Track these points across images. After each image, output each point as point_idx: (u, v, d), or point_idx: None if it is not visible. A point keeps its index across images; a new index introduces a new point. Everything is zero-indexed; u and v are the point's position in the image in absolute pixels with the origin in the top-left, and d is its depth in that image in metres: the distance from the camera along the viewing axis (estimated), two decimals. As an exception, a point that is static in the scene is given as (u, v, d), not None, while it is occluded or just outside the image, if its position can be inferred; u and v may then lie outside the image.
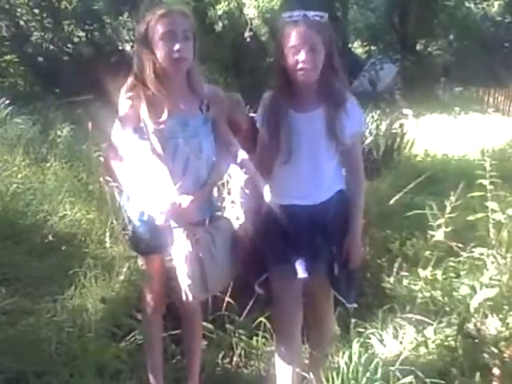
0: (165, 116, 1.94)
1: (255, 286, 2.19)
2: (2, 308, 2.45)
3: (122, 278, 2.85)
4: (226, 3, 12.04)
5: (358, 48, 24.23)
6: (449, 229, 3.33)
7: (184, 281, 1.98)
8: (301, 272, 2.03)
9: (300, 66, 1.93)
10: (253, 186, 2.25)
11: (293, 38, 1.93)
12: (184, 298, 2.04)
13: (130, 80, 2.00)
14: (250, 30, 11.62)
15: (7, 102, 6.58)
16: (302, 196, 2.05)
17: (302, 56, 1.92)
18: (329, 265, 2.08)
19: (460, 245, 3.36)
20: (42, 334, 2.32)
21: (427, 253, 3.30)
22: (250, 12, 12.14)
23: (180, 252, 1.95)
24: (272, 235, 2.09)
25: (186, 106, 2.02)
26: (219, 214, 2.19)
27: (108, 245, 3.24)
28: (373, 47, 22.58)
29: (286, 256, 2.06)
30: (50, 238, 3.76)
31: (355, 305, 2.22)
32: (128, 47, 10.81)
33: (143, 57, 1.95)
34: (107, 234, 3.29)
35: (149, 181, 1.97)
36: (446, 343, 2.38)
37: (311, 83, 2.01)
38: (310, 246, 2.05)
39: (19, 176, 4.40)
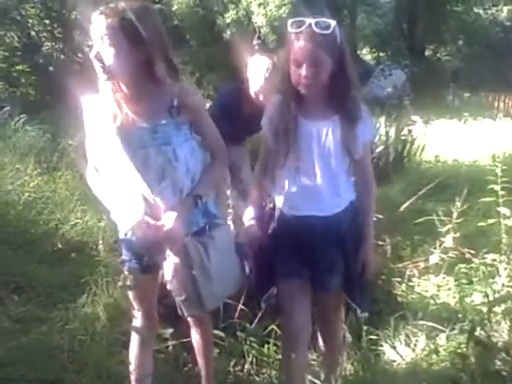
0: (131, 124, 1.79)
1: (261, 301, 2.15)
2: (15, 316, 2.47)
3: (119, 283, 2.84)
4: (235, 12, 12.11)
5: (366, 54, 24.25)
6: (457, 234, 3.33)
7: (177, 297, 1.90)
8: (319, 289, 2.02)
9: (302, 80, 1.88)
10: (253, 196, 2.20)
11: (295, 51, 1.87)
12: (180, 313, 1.97)
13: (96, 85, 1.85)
14: (259, 37, 11.67)
15: (18, 111, 6.66)
16: (318, 207, 2.00)
17: (303, 71, 1.86)
18: (344, 275, 2.04)
19: (472, 251, 3.35)
20: (55, 342, 2.34)
21: (438, 259, 3.29)
22: (259, 20, 12.21)
23: (169, 268, 1.85)
24: (283, 247, 2.03)
25: (153, 112, 1.82)
26: (218, 221, 2.01)
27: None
28: (381, 53, 22.58)
29: (298, 269, 2.01)
30: (61, 246, 3.80)
31: (367, 314, 2.20)
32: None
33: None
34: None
35: (125, 194, 1.84)
36: (459, 350, 2.36)
37: (315, 95, 1.96)
38: (325, 258, 2.00)
39: (31, 185, 4.45)
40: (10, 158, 5.01)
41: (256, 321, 2.57)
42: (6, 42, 11.01)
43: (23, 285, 3.28)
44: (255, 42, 11.68)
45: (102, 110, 1.81)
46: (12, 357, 2.14)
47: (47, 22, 11.65)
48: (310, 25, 1.84)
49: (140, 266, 1.96)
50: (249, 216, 2.14)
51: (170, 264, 1.84)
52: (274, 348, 2.55)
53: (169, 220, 1.79)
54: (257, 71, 2.87)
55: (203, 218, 1.94)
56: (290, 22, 1.89)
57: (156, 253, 1.87)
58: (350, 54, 1.98)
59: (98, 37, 1.73)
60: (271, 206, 2.20)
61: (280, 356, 2.51)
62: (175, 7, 11.24)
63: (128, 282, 2.02)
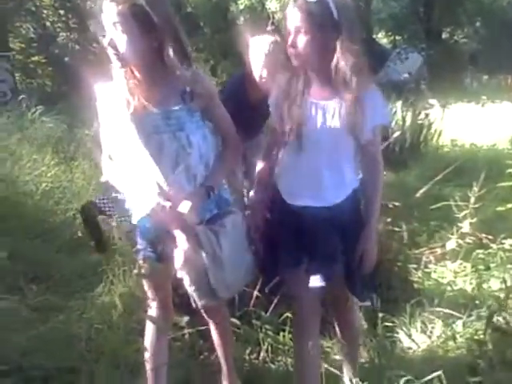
0: (144, 111, 1.79)
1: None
2: (34, 305, 2.50)
3: (135, 271, 2.86)
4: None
5: (382, 38, 23.93)
6: (474, 220, 3.28)
7: (189, 287, 1.89)
8: (317, 281, 1.92)
9: (291, 50, 1.83)
10: (258, 179, 2.14)
11: (288, 21, 1.83)
12: (193, 304, 1.96)
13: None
14: (272, 23, 11.56)
15: (35, 102, 6.71)
16: (319, 196, 1.92)
17: (293, 40, 1.81)
18: (345, 265, 1.97)
19: (489, 236, 3.31)
20: (73, 330, 2.36)
21: (455, 245, 3.26)
22: (272, 6, 12.10)
23: (180, 256, 1.83)
24: (285, 235, 1.98)
25: (166, 98, 1.82)
26: (231, 208, 1.99)
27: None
28: (397, 37, 22.28)
29: (301, 257, 1.97)
30: (79, 235, 3.83)
31: (368, 303, 2.17)
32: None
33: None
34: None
35: (141, 180, 1.83)
36: (476, 337, 2.34)
37: (306, 68, 1.89)
38: (326, 248, 1.93)
39: (48, 175, 4.49)
40: (27, 149, 5.05)
41: (271, 309, 2.57)
42: (21, 34, 11.09)
43: (41, 274, 3.32)
44: (269, 28, 11.56)
45: (116, 97, 1.81)
46: (31, 345, 2.16)
47: (62, 12, 11.68)
48: None
49: (155, 254, 1.97)
50: (252, 200, 2.11)
51: (180, 252, 1.83)
52: (290, 336, 2.55)
53: (183, 209, 1.79)
54: (258, 51, 2.76)
55: (216, 206, 1.94)
56: None
57: (169, 240, 1.86)
58: (356, 32, 1.87)
59: (111, 24, 1.73)
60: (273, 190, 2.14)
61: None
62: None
63: (143, 271, 2.02)
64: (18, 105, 6.75)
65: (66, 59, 10.85)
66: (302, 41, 1.81)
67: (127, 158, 1.85)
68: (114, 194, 3.23)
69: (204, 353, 2.56)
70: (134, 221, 1.96)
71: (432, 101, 9.35)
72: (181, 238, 1.81)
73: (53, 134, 6.05)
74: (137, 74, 1.81)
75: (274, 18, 11.95)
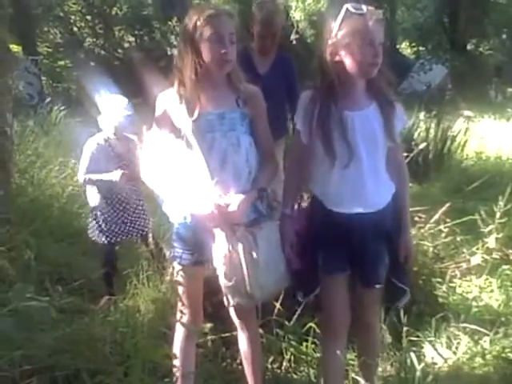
0: (202, 111, 1.93)
1: (299, 298, 2.14)
2: (59, 307, 2.53)
3: (168, 278, 2.88)
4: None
5: (406, 49, 23.79)
6: (500, 235, 3.24)
7: (224, 283, 1.93)
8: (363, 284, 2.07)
9: (374, 60, 1.86)
10: (286, 193, 2.17)
11: (365, 31, 1.85)
12: (226, 303, 2.00)
13: (171, 79, 1.99)
14: (297, 32, 11.61)
15: (60, 105, 6.82)
16: (366, 202, 1.98)
17: (376, 50, 1.85)
18: (390, 265, 2.06)
19: (516, 252, 3.26)
20: (97, 333, 2.38)
21: (481, 260, 3.22)
22: (297, 15, 12.15)
23: (219, 253, 1.91)
24: (328, 244, 2.02)
25: (223, 100, 1.98)
26: (266, 217, 2.05)
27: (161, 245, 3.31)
28: (421, 48, 22.11)
29: (340, 265, 2.03)
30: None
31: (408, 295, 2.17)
32: (176, 52, 11.00)
33: (186, 56, 1.93)
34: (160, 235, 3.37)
35: (188, 179, 1.95)
36: (504, 355, 2.30)
37: (356, 84, 1.94)
38: (372, 253, 2.01)
39: (74, 179, 4.55)
40: (53, 152, 5.13)
41: (294, 318, 2.56)
42: (49, 39, 11.30)
43: (66, 276, 3.37)
44: (293, 36, 11.61)
45: (175, 100, 1.96)
46: (58, 346, 2.19)
47: (89, 18, 11.88)
48: (372, 9, 1.88)
49: (192, 258, 2.03)
50: (283, 214, 2.13)
51: (219, 249, 1.90)
52: (313, 346, 2.54)
53: (235, 202, 1.89)
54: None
55: (253, 213, 2.00)
56: (349, 6, 1.88)
57: (208, 238, 1.94)
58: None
59: (227, 34, 1.89)
60: (306, 202, 2.19)
61: (318, 354, 2.51)
62: (213, 3, 11.32)
63: (179, 277, 2.07)
64: (45, 108, 6.87)
65: (92, 64, 11.03)
66: (381, 51, 1.88)
67: (178, 160, 1.98)
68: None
69: (227, 360, 2.56)
70: (175, 220, 2.04)
71: (456, 112, 9.25)
72: (221, 236, 1.89)
73: (78, 137, 6.13)
74: (202, 79, 1.94)
75: (297, 26, 12.00)
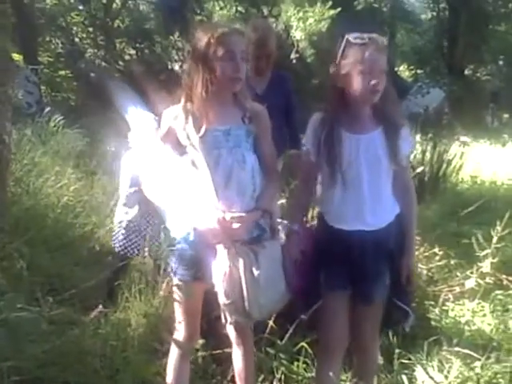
0: (209, 127, 1.95)
1: (302, 315, 2.17)
2: (50, 318, 2.51)
3: (161, 293, 2.87)
4: (274, 25, 12.17)
5: (404, 71, 24.01)
6: (496, 259, 3.24)
7: (222, 300, 1.93)
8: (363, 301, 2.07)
9: (374, 88, 1.93)
10: (293, 210, 2.23)
11: (364, 60, 1.92)
12: (223, 320, 1.99)
13: (177, 95, 2.01)
14: (297, 51, 11.69)
15: (59, 115, 6.81)
16: (366, 221, 2.03)
17: (374, 79, 1.92)
18: (391, 285, 2.09)
19: (510, 278, 3.26)
20: (87, 346, 2.36)
21: (474, 284, 3.22)
22: (297, 34, 12.25)
23: (220, 269, 1.90)
24: (330, 261, 2.06)
25: (229, 117, 2.01)
26: (268, 234, 2.06)
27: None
28: (419, 71, 22.32)
29: (341, 282, 2.06)
30: (96, 249, 3.86)
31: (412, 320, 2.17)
32: (177, 66, 11.05)
33: (196, 73, 1.94)
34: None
35: (192, 195, 1.96)
36: (495, 380, 2.30)
37: (362, 108, 2.03)
38: (373, 271, 2.04)
39: (71, 189, 4.53)
40: (50, 162, 5.12)
41: (286, 337, 2.55)
42: (51, 48, 11.34)
43: (58, 286, 3.33)
44: (293, 55, 11.69)
45: (181, 116, 1.98)
46: (48, 358, 2.17)
47: (91, 29, 11.94)
48: (372, 38, 1.93)
49: (191, 274, 2.01)
50: (289, 231, 2.16)
51: (220, 265, 1.90)
52: (304, 366, 2.53)
53: (239, 219, 1.89)
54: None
55: (256, 229, 2.00)
56: (351, 36, 1.96)
57: (209, 255, 1.94)
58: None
59: (239, 52, 1.93)
60: (312, 220, 2.22)
61: (309, 374, 2.49)
62: (215, 19, 11.41)
63: (179, 293, 2.06)
64: (43, 117, 6.86)
65: (92, 75, 11.06)
66: (381, 80, 1.94)
67: (182, 176, 1.98)
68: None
69: (217, 377, 2.54)
70: (177, 235, 2.04)
71: (453, 137, 9.31)
72: (222, 252, 1.89)
73: (75, 147, 6.13)
74: (211, 95, 1.95)
75: (298, 46, 12.10)
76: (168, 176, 2.03)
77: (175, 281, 2.07)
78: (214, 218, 1.89)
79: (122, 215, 3.42)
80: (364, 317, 2.14)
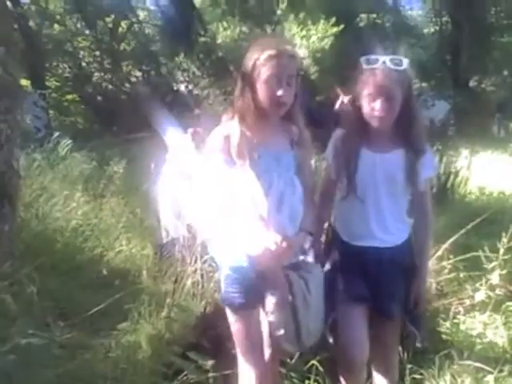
0: (260, 149, 1.93)
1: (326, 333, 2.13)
2: (61, 342, 2.51)
3: (163, 314, 2.87)
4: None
5: (408, 85, 24.08)
6: (504, 271, 3.22)
7: (276, 330, 1.89)
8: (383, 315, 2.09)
9: (375, 113, 1.97)
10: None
11: (370, 86, 1.97)
12: (266, 350, 1.99)
13: (229, 113, 1.98)
14: (301, 69, 11.76)
15: (67, 139, 6.89)
16: (381, 238, 2.06)
17: (377, 105, 1.96)
18: (404, 304, 2.10)
19: (520, 289, 3.24)
20: (98, 369, 2.36)
21: (484, 296, 3.20)
22: (301, 52, 12.33)
23: (272, 298, 1.87)
24: (348, 276, 2.09)
25: (279, 141, 2.01)
26: (310, 258, 2.06)
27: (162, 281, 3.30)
28: (424, 84, 22.37)
29: (360, 296, 2.07)
30: (106, 273, 3.87)
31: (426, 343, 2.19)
32: (182, 87, 11.14)
33: (245, 95, 1.92)
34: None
35: (242, 222, 1.89)
36: (508, 394, 2.27)
37: (383, 129, 2.05)
38: (389, 287, 2.07)
39: (79, 212, 4.56)
40: (59, 185, 5.16)
41: (297, 356, 2.54)
42: (58, 73, 11.50)
43: (68, 311, 3.34)
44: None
45: (236, 134, 1.93)
46: (60, 382, 2.17)
47: (97, 53, 12.09)
48: (385, 61, 1.95)
49: (245, 301, 1.94)
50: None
51: (274, 296, 1.87)
52: (314, 384, 2.51)
53: (289, 243, 1.85)
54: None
55: (300, 253, 2.00)
56: (363, 59, 2.00)
57: (264, 283, 1.90)
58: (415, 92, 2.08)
59: (285, 76, 1.88)
60: (329, 235, 2.24)
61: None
62: (220, 40, 11.52)
63: (239, 322, 1.97)
64: (52, 142, 6.94)
65: (99, 98, 11.18)
66: (389, 106, 1.96)
67: (234, 200, 1.92)
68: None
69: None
70: (226, 264, 1.97)
71: (460, 149, 9.29)
72: (274, 280, 1.86)
73: (83, 170, 6.19)
74: (261, 119, 1.95)
75: (302, 63, 12.17)
76: (214, 200, 1.95)
77: (229, 309, 1.98)
78: (271, 243, 1.81)
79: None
80: (385, 330, 2.15)
